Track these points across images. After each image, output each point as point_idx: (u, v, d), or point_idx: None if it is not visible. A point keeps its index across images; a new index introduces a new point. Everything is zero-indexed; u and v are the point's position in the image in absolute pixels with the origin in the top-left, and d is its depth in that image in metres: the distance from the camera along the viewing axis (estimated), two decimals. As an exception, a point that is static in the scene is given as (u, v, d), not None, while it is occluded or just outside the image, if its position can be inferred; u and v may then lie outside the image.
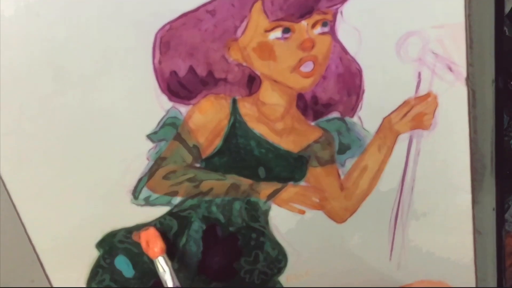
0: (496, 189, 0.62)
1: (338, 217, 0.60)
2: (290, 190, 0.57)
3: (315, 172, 0.57)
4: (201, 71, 0.51)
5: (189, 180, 0.55)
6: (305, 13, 0.50)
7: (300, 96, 0.54)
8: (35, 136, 0.52)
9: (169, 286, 0.55)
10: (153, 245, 0.56)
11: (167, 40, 0.49)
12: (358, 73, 0.53)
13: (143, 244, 0.56)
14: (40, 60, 0.49)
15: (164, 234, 0.58)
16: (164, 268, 0.55)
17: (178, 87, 0.51)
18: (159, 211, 0.57)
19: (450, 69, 0.54)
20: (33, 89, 0.50)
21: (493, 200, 0.62)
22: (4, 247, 0.56)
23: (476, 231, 0.63)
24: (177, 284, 0.55)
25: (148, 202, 0.55)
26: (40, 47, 0.49)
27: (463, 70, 0.54)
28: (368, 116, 0.55)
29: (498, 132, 0.59)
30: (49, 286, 0.58)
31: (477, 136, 0.58)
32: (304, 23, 0.50)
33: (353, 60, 0.52)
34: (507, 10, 0.87)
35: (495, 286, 0.67)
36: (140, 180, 0.54)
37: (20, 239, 0.56)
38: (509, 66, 0.86)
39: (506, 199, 0.88)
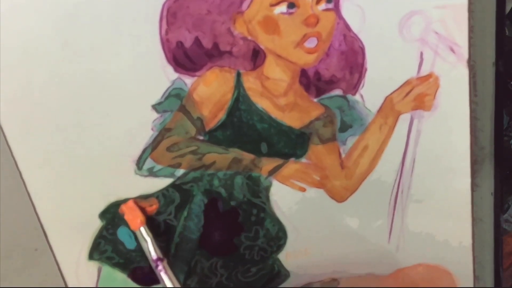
0: (495, 173, 0.62)
1: (338, 196, 0.61)
2: (291, 166, 0.58)
3: (316, 149, 0.58)
4: (207, 43, 0.52)
5: (192, 152, 0.56)
6: (310, -11, 0.51)
7: (303, 72, 0.55)
8: (43, 104, 0.53)
9: (152, 256, 0.56)
10: (132, 217, 0.56)
11: (174, 11, 0.50)
12: (361, 51, 0.54)
13: (127, 216, 0.56)
14: (50, 29, 0.50)
15: (166, 206, 0.58)
16: (146, 239, 0.56)
17: (183, 58, 0.52)
18: (162, 182, 0.57)
19: (452, 50, 0.55)
20: (42, 57, 0.51)
21: (491, 185, 0.63)
22: (8, 215, 0.57)
23: (474, 218, 0.64)
24: (159, 254, 0.56)
25: (151, 173, 0.56)
26: (50, 16, 0.50)
27: (464, 52, 0.55)
28: (370, 95, 0.56)
29: (498, 116, 0.60)
30: (52, 255, 0.59)
31: (476, 119, 0.59)
32: (308, -2, 0.51)
33: (356, 37, 0.53)
34: (507, 10, 0.87)
35: (492, 270, 0.67)
36: (144, 151, 0.55)
37: (25, 207, 0.56)
38: (509, 66, 0.87)
39: (506, 199, 0.89)
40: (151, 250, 0.55)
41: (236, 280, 0.63)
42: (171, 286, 0.54)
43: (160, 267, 0.55)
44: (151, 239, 0.56)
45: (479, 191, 0.63)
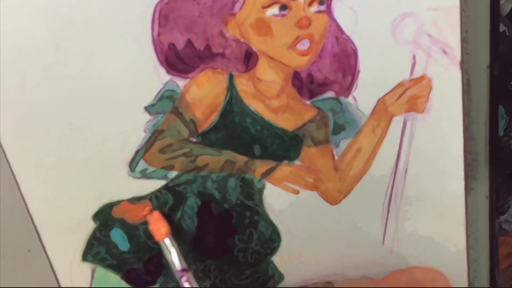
0: (489, 177, 0.62)
1: (332, 199, 0.61)
2: (285, 169, 0.58)
3: (309, 152, 0.58)
4: (199, 45, 0.52)
5: (185, 154, 0.56)
6: (302, -9, 0.51)
7: (296, 75, 0.55)
8: (36, 105, 0.53)
9: (177, 266, 0.55)
10: (157, 227, 0.56)
11: (166, 13, 0.50)
12: (354, 53, 0.54)
13: (152, 227, 0.56)
14: (42, 31, 0.50)
15: (159, 209, 0.58)
16: (170, 250, 0.56)
17: (176, 60, 0.52)
18: (155, 184, 0.57)
19: (444, 52, 0.55)
20: (35, 59, 0.51)
21: (486, 188, 0.63)
22: (2, 216, 0.57)
23: (469, 221, 0.64)
24: (184, 265, 0.56)
25: (144, 175, 0.56)
26: (43, 18, 0.50)
27: (457, 54, 0.55)
28: (363, 97, 0.56)
29: (492, 119, 0.60)
30: (46, 256, 0.59)
31: (470, 122, 0.59)
32: (301, 0, 0.51)
33: (349, 40, 0.53)
34: (507, 10, 0.87)
35: (488, 274, 0.67)
36: (137, 153, 0.55)
37: (18, 208, 0.56)
38: (509, 65, 0.86)
39: (506, 199, 0.89)
40: (175, 261, 0.55)
41: (230, 282, 0.63)
42: None
43: (184, 278, 0.55)
44: (176, 250, 0.56)
45: (474, 194, 0.63)
